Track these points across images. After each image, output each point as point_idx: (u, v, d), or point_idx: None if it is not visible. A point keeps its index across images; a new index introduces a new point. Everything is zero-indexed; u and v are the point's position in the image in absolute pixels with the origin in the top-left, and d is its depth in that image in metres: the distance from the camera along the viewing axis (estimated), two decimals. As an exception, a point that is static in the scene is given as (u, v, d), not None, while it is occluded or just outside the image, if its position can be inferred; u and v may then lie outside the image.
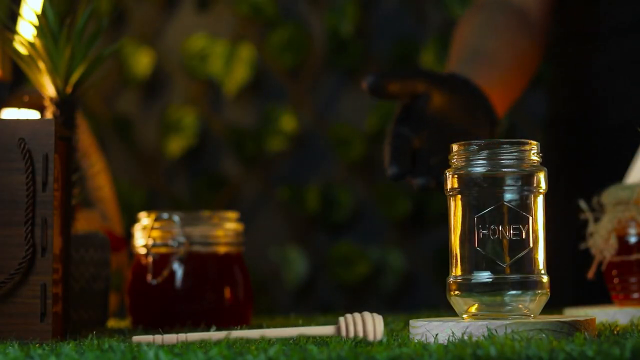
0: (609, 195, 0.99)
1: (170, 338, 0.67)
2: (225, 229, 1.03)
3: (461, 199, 0.70)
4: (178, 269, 1.00)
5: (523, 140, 0.70)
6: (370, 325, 0.68)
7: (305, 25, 1.60)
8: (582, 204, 1.00)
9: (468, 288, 0.69)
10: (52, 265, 0.76)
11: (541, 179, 0.70)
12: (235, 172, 1.63)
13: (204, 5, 1.61)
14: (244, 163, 1.62)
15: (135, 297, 1.02)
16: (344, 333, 0.68)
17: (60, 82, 0.92)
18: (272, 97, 1.62)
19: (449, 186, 0.71)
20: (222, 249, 1.02)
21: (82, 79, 0.93)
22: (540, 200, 0.71)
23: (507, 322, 0.64)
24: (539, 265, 0.70)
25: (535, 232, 0.70)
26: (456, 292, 0.69)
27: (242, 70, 1.58)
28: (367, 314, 0.68)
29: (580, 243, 0.95)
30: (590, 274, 1.00)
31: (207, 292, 1.01)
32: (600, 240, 0.97)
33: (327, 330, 0.69)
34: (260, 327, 1.05)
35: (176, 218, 1.00)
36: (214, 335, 0.67)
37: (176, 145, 1.62)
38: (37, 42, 0.90)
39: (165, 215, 1.01)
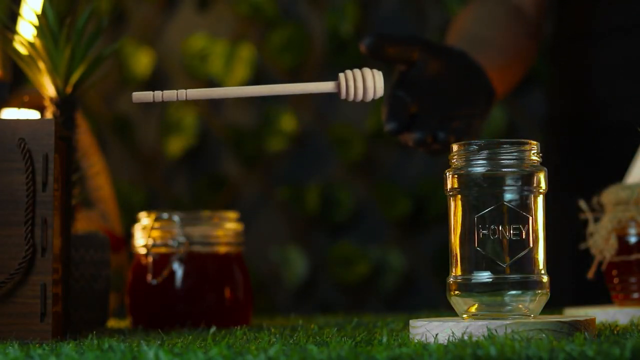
0: (608, 195, 0.99)
1: (170, 95, 0.65)
2: (225, 228, 1.03)
3: (461, 199, 0.70)
4: (178, 269, 0.99)
5: (523, 140, 0.70)
6: (370, 81, 0.66)
7: (305, 26, 1.60)
8: (582, 204, 1.00)
9: (468, 288, 0.69)
10: (52, 265, 0.76)
11: (541, 179, 0.70)
12: (235, 172, 1.63)
13: (204, 5, 1.61)
14: (244, 163, 1.62)
15: (136, 297, 1.02)
16: (343, 89, 0.67)
17: (60, 82, 0.92)
18: (272, 97, 1.62)
19: (448, 186, 0.70)
20: (222, 249, 1.02)
21: (82, 79, 0.93)
22: (540, 200, 0.70)
23: (507, 322, 0.64)
24: (539, 265, 0.70)
25: (535, 232, 0.69)
26: (456, 292, 0.69)
27: (242, 70, 1.58)
28: (367, 70, 0.67)
29: (580, 243, 0.95)
30: (590, 273, 1.00)
31: (207, 292, 1.01)
32: (601, 240, 0.97)
33: (327, 86, 0.68)
34: (260, 327, 1.05)
35: (176, 218, 1.00)
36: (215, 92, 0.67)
37: (176, 146, 1.62)
38: (37, 42, 0.90)
39: (165, 215, 1.00)
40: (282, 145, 1.60)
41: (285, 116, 1.60)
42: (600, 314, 0.90)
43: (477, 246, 0.68)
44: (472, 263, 0.69)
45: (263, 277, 1.61)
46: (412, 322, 0.68)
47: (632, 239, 0.96)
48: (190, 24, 1.62)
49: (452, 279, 0.70)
